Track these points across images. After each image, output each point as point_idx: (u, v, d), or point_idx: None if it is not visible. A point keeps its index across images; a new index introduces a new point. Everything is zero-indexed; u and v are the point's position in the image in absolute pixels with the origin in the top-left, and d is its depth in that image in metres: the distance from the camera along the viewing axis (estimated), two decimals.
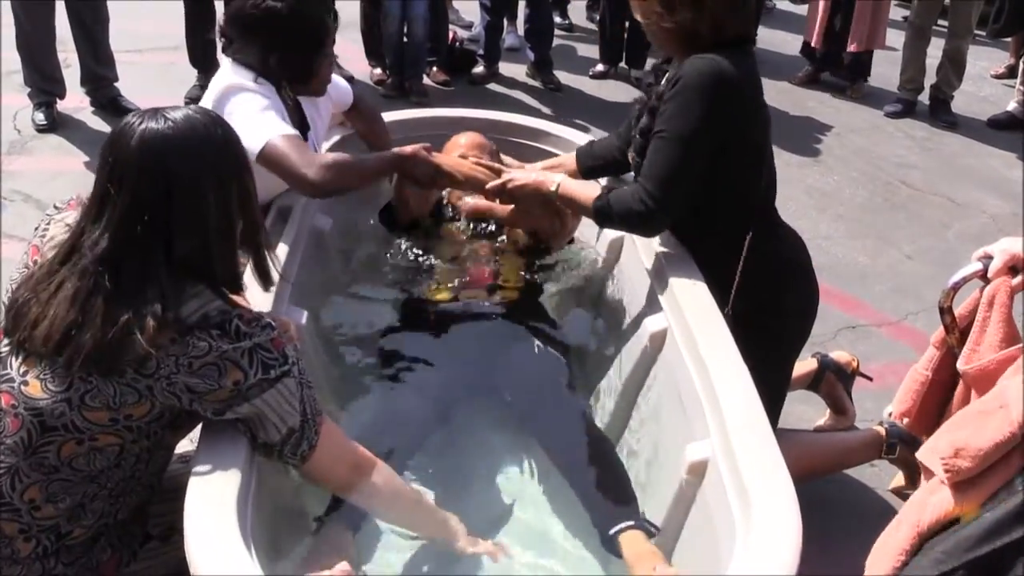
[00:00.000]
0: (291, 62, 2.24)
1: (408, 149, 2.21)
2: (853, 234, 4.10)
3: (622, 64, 5.78)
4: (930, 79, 5.68)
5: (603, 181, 2.40)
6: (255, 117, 2.12)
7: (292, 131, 2.14)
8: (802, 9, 6.23)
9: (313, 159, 2.08)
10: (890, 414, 2.35)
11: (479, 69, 5.59)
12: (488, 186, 2.24)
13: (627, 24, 5.64)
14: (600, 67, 5.77)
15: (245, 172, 1.50)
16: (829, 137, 5.22)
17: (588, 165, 2.51)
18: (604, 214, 2.05)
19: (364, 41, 5.32)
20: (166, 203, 1.39)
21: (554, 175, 2.21)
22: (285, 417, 1.45)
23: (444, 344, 2.26)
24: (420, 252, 2.45)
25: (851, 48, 5.70)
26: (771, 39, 6.67)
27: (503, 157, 2.59)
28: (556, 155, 2.73)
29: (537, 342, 2.26)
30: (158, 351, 1.34)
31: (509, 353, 2.23)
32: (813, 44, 5.85)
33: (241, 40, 2.23)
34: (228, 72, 2.24)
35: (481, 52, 5.58)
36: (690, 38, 1.97)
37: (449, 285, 2.36)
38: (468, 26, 6.32)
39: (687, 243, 2.16)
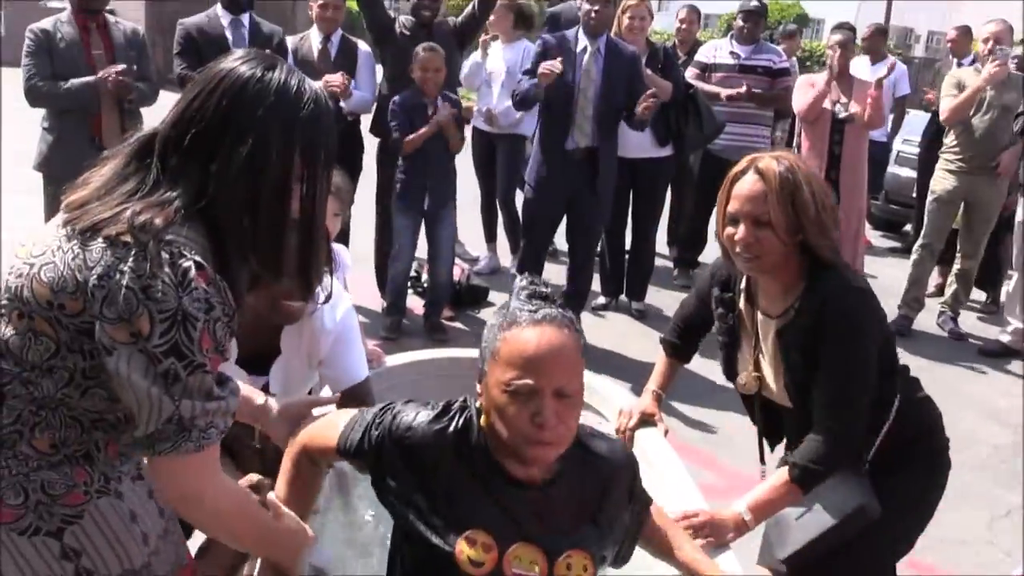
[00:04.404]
0: None
1: None
2: None
3: (622, 297, 5.99)
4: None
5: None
6: None
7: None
8: None
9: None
10: None
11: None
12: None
13: (627, 258, 5.93)
14: (601, 299, 5.98)
15: (322, 152, 1.46)
16: None
17: (681, 353, 2.62)
18: (808, 480, 2.06)
19: (377, 275, 5.53)
20: (221, 126, 1.38)
21: (734, 511, 2.07)
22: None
23: None
24: None
25: None
26: None
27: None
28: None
29: None
30: (115, 241, 1.31)
31: None
32: None
33: None
34: None
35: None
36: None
37: None
38: (474, 260, 6.59)
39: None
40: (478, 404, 1.63)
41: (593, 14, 4.84)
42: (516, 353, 1.52)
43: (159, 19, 16.55)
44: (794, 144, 5.99)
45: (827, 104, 5.60)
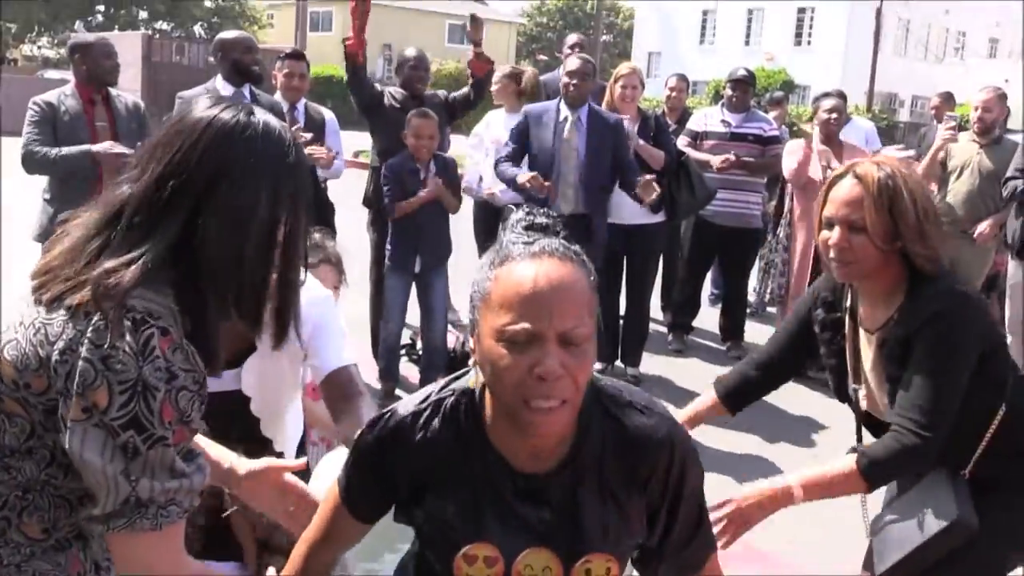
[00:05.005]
0: None
1: None
2: None
3: (618, 362, 5.99)
4: None
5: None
6: None
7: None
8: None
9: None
10: None
11: None
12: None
13: (621, 323, 5.94)
14: (597, 365, 5.93)
15: (302, 203, 1.42)
16: (828, 432, 5.32)
17: (733, 397, 2.48)
18: (876, 472, 2.02)
19: (373, 344, 5.51)
20: (210, 176, 1.33)
21: (782, 482, 2.07)
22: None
23: None
24: None
25: None
26: (764, 335, 6.98)
27: None
28: None
29: None
30: (76, 312, 1.26)
31: None
32: None
33: None
34: None
35: None
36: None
37: None
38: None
39: None
40: (469, 382, 1.41)
41: (571, 88, 4.99)
42: (510, 293, 1.27)
43: (155, 89, 16.84)
44: (785, 209, 6.05)
45: (819, 169, 5.64)
